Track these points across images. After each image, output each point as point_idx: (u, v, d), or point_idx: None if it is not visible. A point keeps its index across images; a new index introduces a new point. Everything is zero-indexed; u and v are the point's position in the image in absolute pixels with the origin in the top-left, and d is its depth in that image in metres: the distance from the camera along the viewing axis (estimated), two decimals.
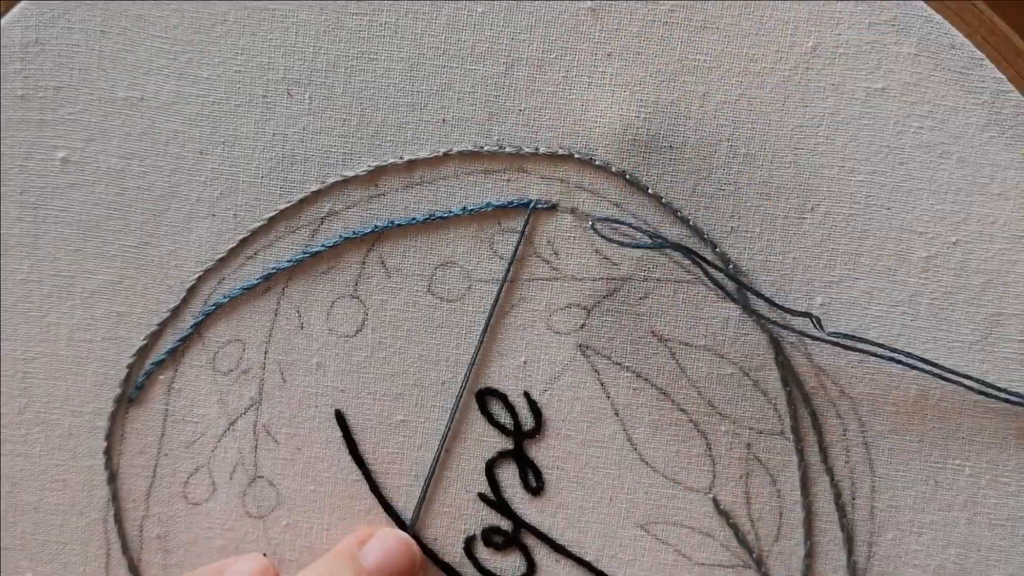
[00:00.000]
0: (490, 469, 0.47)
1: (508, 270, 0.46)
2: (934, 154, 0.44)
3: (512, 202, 0.45)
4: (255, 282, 0.47)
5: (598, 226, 0.45)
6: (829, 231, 0.44)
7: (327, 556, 0.46)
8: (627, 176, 0.45)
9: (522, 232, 0.45)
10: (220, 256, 0.47)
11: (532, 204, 0.45)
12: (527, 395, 0.47)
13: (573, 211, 0.45)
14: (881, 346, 0.44)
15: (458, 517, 0.48)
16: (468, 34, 0.45)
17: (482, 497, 0.47)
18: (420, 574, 0.47)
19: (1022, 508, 0.45)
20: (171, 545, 0.48)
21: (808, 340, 0.45)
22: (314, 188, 0.46)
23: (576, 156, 0.45)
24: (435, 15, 0.45)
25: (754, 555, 0.47)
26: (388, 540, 0.46)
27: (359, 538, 0.46)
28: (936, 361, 0.44)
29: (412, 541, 0.46)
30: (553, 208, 0.45)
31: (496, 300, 0.46)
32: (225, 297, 0.47)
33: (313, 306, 0.47)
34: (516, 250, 0.45)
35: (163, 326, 0.47)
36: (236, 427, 0.48)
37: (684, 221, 0.45)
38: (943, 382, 0.45)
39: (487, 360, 0.47)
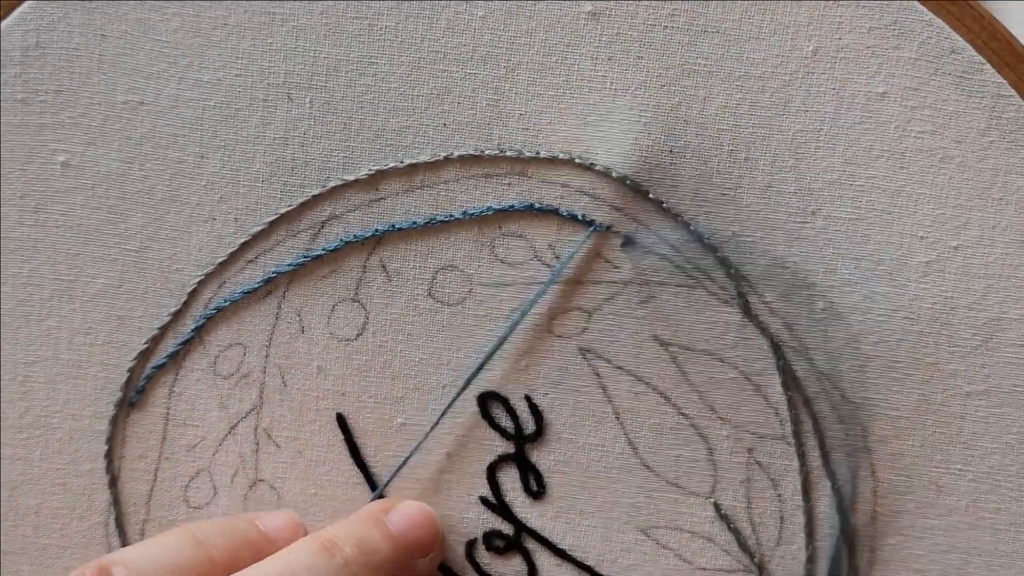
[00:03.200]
0: (492, 473, 0.47)
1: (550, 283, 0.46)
2: (935, 159, 0.44)
3: (513, 206, 0.45)
4: (256, 286, 0.47)
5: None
6: (830, 236, 0.44)
7: (353, 515, 0.46)
8: (628, 181, 0.45)
9: (574, 251, 0.45)
10: (221, 260, 0.46)
11: (593, 227, 0.45)
12: (528, 399, 0.47)
13: (628, 238, 0.45)
14: None
15: (459, 520, 0.48)
16: (468, 38, 0.44)
17: (484, 501, 0.47)
18: (440, 546, 0.47)
19: None
20: None
21: (810, 345, 0.45)
22: (315, 192, 0.46)
23: (577, 160, 0.45)
24: (435, 19, 0.44)
25: (755, 560, 0.47)
26: (412, 509, 0.46)
27: (383, 507, 0.47)
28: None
29: (434, 514, 0.47)
30: (608, 230, 0.45)
31: (531, 304, 0.46)
32: (226, 301, 0.47)
33: (314, 310, 0.47)
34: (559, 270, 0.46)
35: (164, 330, 0.47)
36: (237, 431, 0.48)
37: (685, 226, 0.45)
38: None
39: (488, 364, 0.47)
